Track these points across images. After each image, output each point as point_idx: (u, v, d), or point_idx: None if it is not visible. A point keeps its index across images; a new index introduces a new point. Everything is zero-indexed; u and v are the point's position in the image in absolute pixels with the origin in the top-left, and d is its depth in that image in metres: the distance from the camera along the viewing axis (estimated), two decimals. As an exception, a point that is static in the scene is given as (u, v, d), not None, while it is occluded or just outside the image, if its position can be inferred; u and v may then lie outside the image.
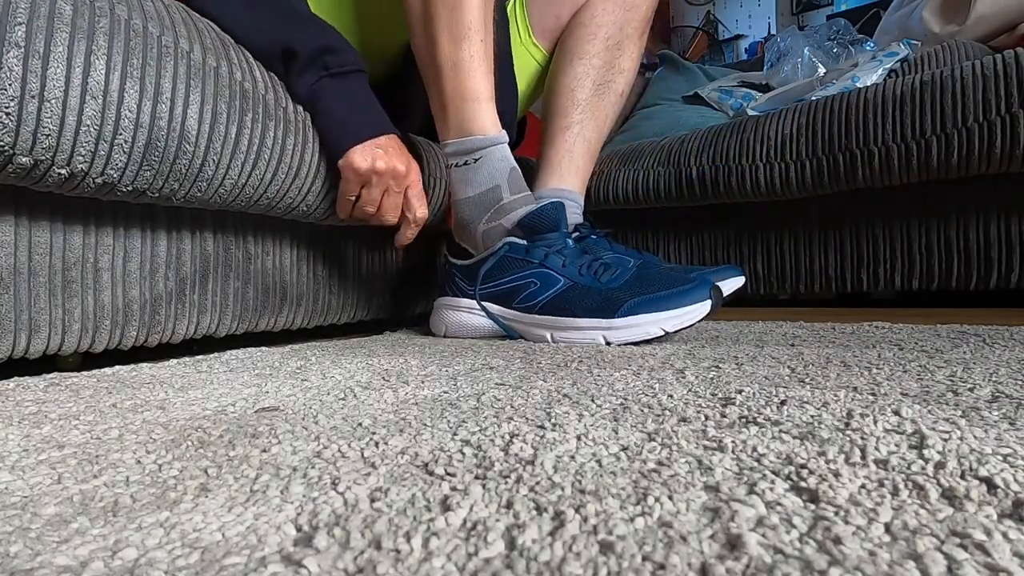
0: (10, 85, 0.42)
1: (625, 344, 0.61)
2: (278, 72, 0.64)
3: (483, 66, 0.68)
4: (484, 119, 0.68)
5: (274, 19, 0.64)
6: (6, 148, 0.43)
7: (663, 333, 0.60)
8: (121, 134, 0.48)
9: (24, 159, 0.44)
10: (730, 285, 0.82)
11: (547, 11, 0.92)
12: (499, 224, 0.70)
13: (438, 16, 0.66)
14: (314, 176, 0.66)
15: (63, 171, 0.46)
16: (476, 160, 0.70)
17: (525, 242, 0.68)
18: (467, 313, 0.74)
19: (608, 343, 0.62)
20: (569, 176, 0.87)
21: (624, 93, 0.92)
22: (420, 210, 0.71)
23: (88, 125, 0.46)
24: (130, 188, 0.51)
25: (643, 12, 0.90)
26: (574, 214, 0.86)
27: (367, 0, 0.77)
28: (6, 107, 0.42)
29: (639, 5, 0.90)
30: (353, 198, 0.67)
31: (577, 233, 0.83)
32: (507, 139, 0.70)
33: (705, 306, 0.61)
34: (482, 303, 0.72)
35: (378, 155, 0.65)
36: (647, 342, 0.62)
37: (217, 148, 0.55)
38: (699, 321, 0.61)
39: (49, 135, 0.44)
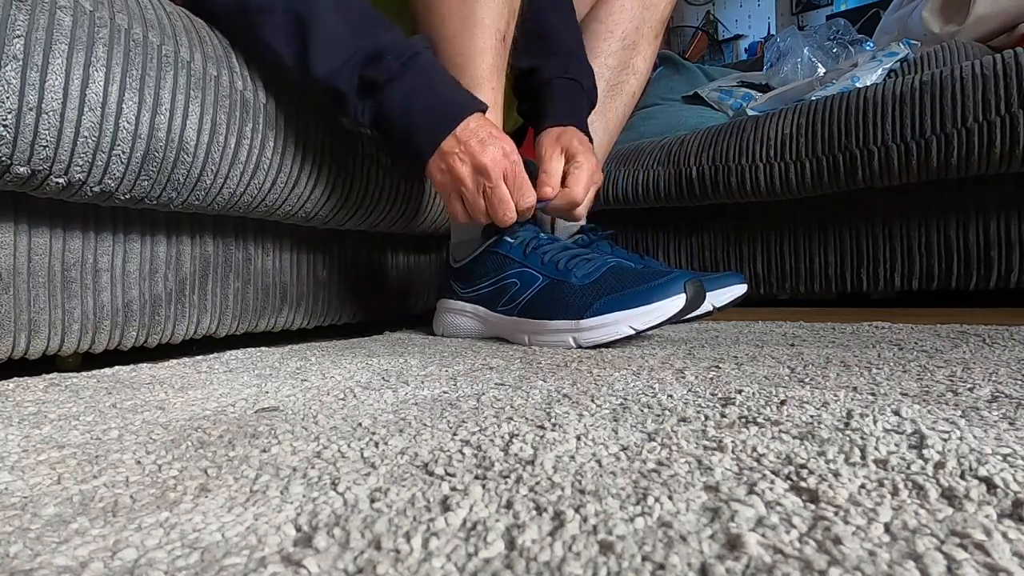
0: (8, 98, 0.42)
1: (595, 346, 0.59)
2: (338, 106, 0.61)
3: (494, 112, 0.68)
4: None
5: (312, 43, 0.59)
6: (3, 158, 0.43)
7: (633, 332, 0.57)
8: (119, 145, 0.48)
9: (22, 169, 0.44)
10: (729, 293, 0.81)
11: None
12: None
13: (451, 63, 0.65)
14: (314, 184, 0.66)
15: (60, 180, 0.46)
16: None
17: (506, 237, 0.68)
18: (459, 315, 0.74)
19: (578, 345, 0.60)
20: None
21: (636, 94, 0.91)
22: (525, 199, 0.63)
23: (86, 136, 0.46)
24: (128, 196, 0.51)
25: (660, 12, 0.89)
26: None
27: None
28: (3, 120, 0.42)
29: (657, 4, 0.88)
30: (460, 207, 0.63)
31: (581, 236, 0.83)
32: None
33: (676, 302, 0.57)
34: (470, 305, 0.72)
35: (453, 161, 0.60)
36: (619, 342, 0.60)
37: (216, 158, 0.55)
38: (673, 318, 0.57)
39: (47, 146, 0.44)
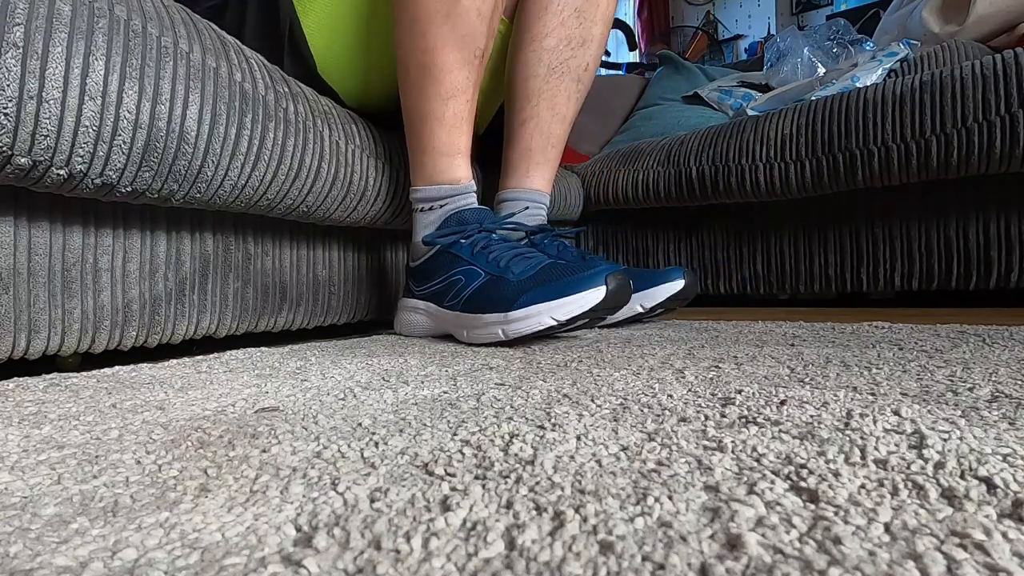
0: (8, 86, 0.42)
1: (520, 336, 0.61)
2: None
3: (466, 123, 0.69)
4: (458, 171, 0.70)
5: None
6: (4, 149, 0.43)
7: (555, 323, 0.59)
8: (120, 135, 0.48)
9: (23, 160, 0.44)
10: (662, 292, 0.79)
11: None
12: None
13: (428, 74, 0.67)
14: (314, 178, 0.66)
15: (62, 172, 0.46)
16: (442, 206, 0.72)
17: (452, 238, 0.69)
18: (414, 312, 0.76)
19: (506, 337, 0.62)
20: (528, 175, 0.84)
21: (591, 67, 0.82)
22: None
23: (87, 126, 0.46)
24: (129, 189, 0.51)
25: None
26: (535, 215, 0.84)
27: (369, 50, 0.77)
28: (4, 108, 0.42)
29: None
30: None
31: (534, 236, 0.81)
32: (475, 188, 0.72)
33: (596, 293, 0.59)
34: (422, 302, 0.74)
35: None
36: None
37: (216, 149, 0.55)
38: (596, 309, 0.59)
39: (48, 136, 0.44)
